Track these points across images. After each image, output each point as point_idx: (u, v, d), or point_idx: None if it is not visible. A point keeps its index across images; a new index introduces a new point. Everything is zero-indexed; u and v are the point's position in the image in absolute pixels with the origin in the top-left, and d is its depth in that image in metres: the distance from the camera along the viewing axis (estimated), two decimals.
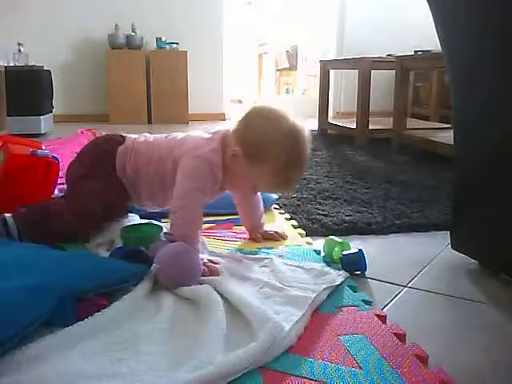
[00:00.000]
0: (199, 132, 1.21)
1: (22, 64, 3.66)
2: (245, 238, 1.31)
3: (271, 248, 1.23)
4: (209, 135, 1.18)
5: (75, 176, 1.24)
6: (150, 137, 1.27)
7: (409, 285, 1.08)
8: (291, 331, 0.81)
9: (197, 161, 1.11)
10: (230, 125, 1.17)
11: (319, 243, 1.27)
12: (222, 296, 0.90)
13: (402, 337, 0.83)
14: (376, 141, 3.06)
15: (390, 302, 0.99)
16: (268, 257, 1.14)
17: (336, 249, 1.16)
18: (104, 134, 1.33)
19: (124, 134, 1.28)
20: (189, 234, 1.07)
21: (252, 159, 1.09)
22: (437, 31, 1.15)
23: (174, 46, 4.44)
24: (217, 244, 1.26)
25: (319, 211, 1.57)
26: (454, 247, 1.20)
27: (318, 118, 3.77)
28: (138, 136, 1.27)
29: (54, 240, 1.09)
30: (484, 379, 0.75)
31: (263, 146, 1.08)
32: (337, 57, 4.82)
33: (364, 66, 3.10)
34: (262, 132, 1.09)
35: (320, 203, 1.67)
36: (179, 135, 1.23)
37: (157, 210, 1.35)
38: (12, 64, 3.65)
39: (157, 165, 1.19)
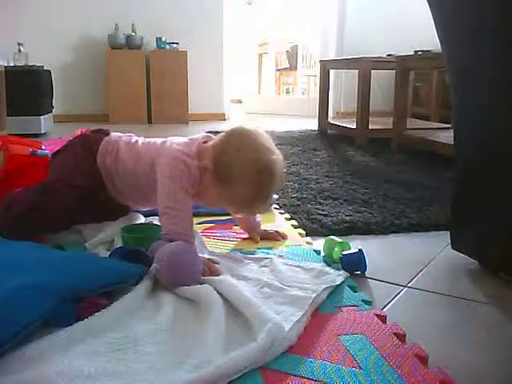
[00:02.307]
0: (179, 138, 1.21)
1: (22, 64, 3.66)
2: (245, 238, 1.31)
3: (271, 248, 1.23)
4: (187, 140, 1.18)
5: (53, 155, 1.29)
6: (135, 138, 1.28)
7: (409, 285, 1.08)
8: (291, 331, 0.81)
9: (174, 162, 1.11)
10: (214, 136, 1.17)
11: (319, 243, 1.27)
12: (221, 296, 0.90)
13: (402, 337, 0.83)
14: (376, 141, 3.06)
15: (390, 301, 0.99)
16: (268, 257, 1.14)
17: (336, 249, 1.16)
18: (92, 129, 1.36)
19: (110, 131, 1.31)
20: (183, 231, 1.07)
21: (218, 179, 1.09)
22: (437, 31, 1.15)
23: (174, 45, 4.44)
24: (217, 244, 1.26)
25: (319, 211, 1.57)
26: (453, 247, 1.20)
27: (318, 118, 3.77)
28: (124, 135, 1.29)
29: (17, 228, 1.12)
30: (484, 379, 0.75)
31: (232, 172, 1.07)
32: (337, 57, 4.82)
33: (364, 66, 3.10)
34: (236, 159, 1.07)
35: (320, 203, 1.67)
36: (160, 140, 1.23)
37: (144, 210, 1.36)
38: (12, 64, 3.65)
39: (134, 164, 1.19)
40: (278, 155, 1.10)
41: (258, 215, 1.32)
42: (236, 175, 1.06)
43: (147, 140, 1.26)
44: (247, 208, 1.14)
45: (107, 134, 1.29)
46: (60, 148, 1.30)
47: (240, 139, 1.10)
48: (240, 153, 1.07)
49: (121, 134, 1.29)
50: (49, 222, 1.16)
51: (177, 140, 1.20)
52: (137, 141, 1.26)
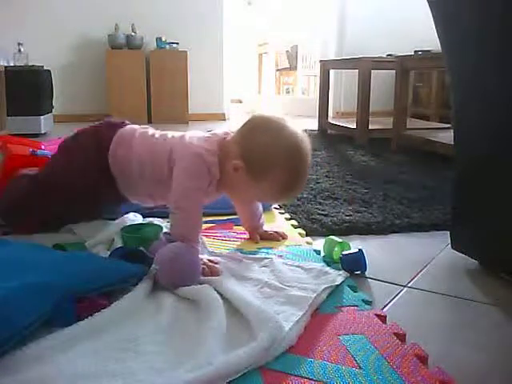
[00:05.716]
0: (198, 132, 1.20)
1: (22, 64, 3.66)
2: (245, 238, 1.31)
3: (271, 248, 1.23)
4: (207, 135, 1.17)
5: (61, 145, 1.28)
6: (152, 130, 1.25)
7: (409, 285, 1.08)
8: (291, 331, 0.81)
9: (193, 159, 1.10)
10: (231, 132, 1.15)
11: (319, 243, 1.27)
12: (222, 296, 0.90)
13: (401, 337, 0.83)
14: (376, 141, 3.06)
15: (390, 301, 0.99)
16: (268, 257, 1.14)
17: (336, 249, 1.16)
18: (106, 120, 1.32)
19: (127, 122, 1.27)
20: (188, 235, 1.06)
21: (255, 175, 1.08)
22: (437, 31, 1.15)
23: (174, 45, 4.44)
24: (217, 244, 1.26)
25: (319, 211, 1.57)
26: (453, 247, 1.20)
27: (318, 118, 3.77)
28: (140, 127, 1.26)
29: (12, 213, 1.16)
30: (484, 379, 0.75)
31: (267, 164, 1.06)
32: (337, 57, 4.82)
33: (364, 66, 3.10)
34: (266, 149, 1.06)
35: (320, 203, 1.67)
36: (178, 134, 1.22)
37: (150, 206, 1.34)
38: (12, 64, 3.65)
39: (152, 162, 1.16)
40: (301, 133, 1.10)
41: (262, 216, 1.32)
42: (272, 167, 1.06)
43: (164, 133, 1.23)
44: (287, 194, 1.13)
45: (121, 126, 1.24)
46: (68, 138, 1.27)
47: (265, 130, 1.09)
48: (270, 145, 1.06)
49: (136, 127, 1.26)
50: (37, 213, 1.17)
51: (196, 135, 1.18)
52: (154, 134, 1.22)
